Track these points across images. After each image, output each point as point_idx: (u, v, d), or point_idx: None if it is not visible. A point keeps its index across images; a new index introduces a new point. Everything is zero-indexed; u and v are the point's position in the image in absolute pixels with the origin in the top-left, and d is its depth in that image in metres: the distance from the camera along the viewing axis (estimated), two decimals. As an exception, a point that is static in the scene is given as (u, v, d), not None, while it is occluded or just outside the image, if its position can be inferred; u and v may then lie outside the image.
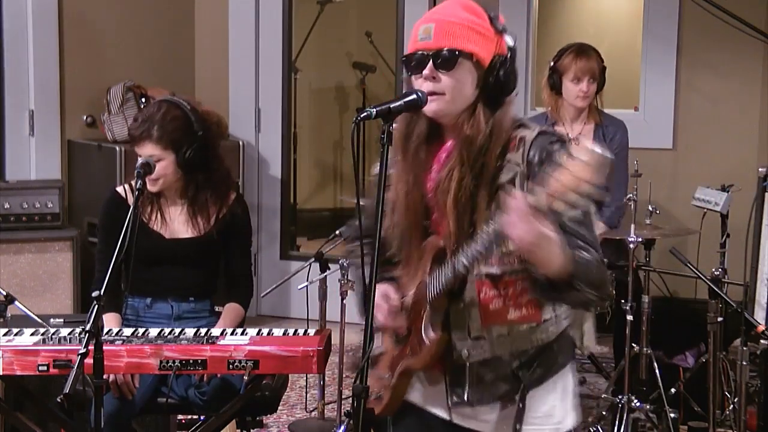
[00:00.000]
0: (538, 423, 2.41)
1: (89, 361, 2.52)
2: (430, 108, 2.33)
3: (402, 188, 2.39)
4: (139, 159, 3.21)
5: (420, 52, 2.32)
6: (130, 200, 3.49)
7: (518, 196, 2.09)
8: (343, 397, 4.42)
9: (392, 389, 2.45)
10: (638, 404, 4.07)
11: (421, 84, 2.33)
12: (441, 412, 2.47)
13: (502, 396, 2.39)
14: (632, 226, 4.04)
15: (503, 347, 2.35)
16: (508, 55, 2.37)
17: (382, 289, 2.40)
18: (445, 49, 2.30)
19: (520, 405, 2.37)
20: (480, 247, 2.20)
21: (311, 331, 3.15)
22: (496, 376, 2.37)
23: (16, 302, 3.49)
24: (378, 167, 2.39)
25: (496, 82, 2.34)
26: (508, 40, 2.37)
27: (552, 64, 4.53)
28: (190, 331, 3.18)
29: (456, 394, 2.39)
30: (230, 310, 3.58)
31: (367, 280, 2.42)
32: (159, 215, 3.53)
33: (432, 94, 2.32)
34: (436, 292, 2.32)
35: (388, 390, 2.47)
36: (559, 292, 2.22)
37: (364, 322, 2.23)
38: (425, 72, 2.31)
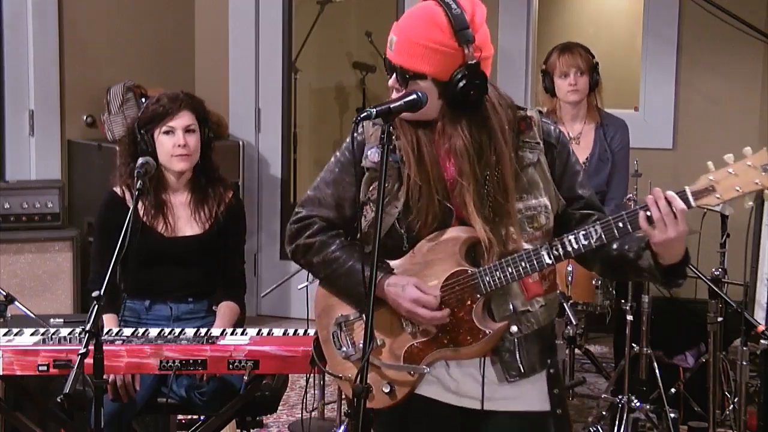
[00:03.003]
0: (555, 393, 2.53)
1: (89, 361, 2.52)
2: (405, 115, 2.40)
3: (422, 172, 2.39)
4: (140, 159, 3.21)
5: (388, 60, 2.41)
6: (128, 200, 3.50)
7: (675, 197, 2.26)
8: (343, 397, 4.42)
9: (416, 381, 2.45)
10: (638, 404, 4.07)
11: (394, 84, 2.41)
12: (462, 402, 2.47)
13: (544, 364, 2.48)
14: (632, 226, 4.04)
15: (544, 317, 2.46)
16: (471, 66, 2.34)
17: (410, 282, 2.39)
18: (399, 67, 2.37)
19: (551, 371, 2.49)
20: (586, 240, 2.33)
21: (311, 331, 3.15)
22: (540, 346, 2.47)
23: (16, 302, 3.49)
24: (375, 155, 2.44)
25: (455, 95, 2.35)
26: (472, 51, 2.34)
27: (543, 67, 4.57)
28: (190, 331, 3.18)
29: (512, 369, 2.43)
30: (226, 308, 3.58)
31: (381, 273, 2.43)
32: (159, 214, 3.53)
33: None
34: (502, 283, 2.37)
35: (406, 385, 2.44)
36: (681, 274, 2.38)
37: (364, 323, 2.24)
38: (389, 82, 2.41)
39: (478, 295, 2.38)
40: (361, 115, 2.28)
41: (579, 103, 4.49)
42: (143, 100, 5.40)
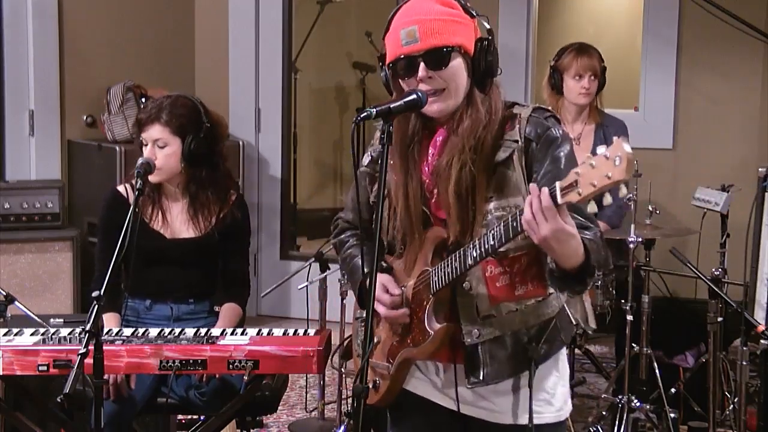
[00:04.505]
0: (538, 408, 2.42)
1: (89, 361, 2.52)
2: (433, 108, 2.34)
3: (400, 177, 2.40)
4: (139, 159, 3.21)
5: (408, 56, 2.32)
6: (131, 199, 3.49)
7: (544, 194, 2.08)
8: (343, 397, 4.42)
9: (391, 378, 2.47)
10: (638, 404, 4.07)
11: (415, 86, 2.33)
12: (447, 403, 2.46)
13: (515, 372, 2.38)
14: (632, 226, 4.05)
15: (514, 323, 2.36)
16: (489, 37, 2.38)
17: (380, 280, 2.41)
18: (435, 48, 2.31)
19: (529, 386, 2.38)
20: (493, 241, 2.21)
21: (311, 331, 3.15)
22: (508, 353, 2.37)
23: (16, 302, 3.49)
24: (367, 159, 2.49)
25: (485, 65, 2.36)
26: (485, 23, 2.39)
27: (553, 63, 4.55)
28: (190, 331, 3.17)
29: (473, 375, 2.37)
30: (228, 310, 3.58)
31: (367, 271, 2.46)
32: (160, 215, 3.53)
33: (431, 93, 2.32)
34: (442, 283, 2.33)
35: (386, 379, 2.48)
36: (574, 282, 2.23)
37: (363, 319, 2.25)
38: (420, 74, 2.32)
39: (430, 295, 2.37)
40: (361, 115, 2.27)
41: (585, 105, 4.51)
42: (143, 100, 5.41)
